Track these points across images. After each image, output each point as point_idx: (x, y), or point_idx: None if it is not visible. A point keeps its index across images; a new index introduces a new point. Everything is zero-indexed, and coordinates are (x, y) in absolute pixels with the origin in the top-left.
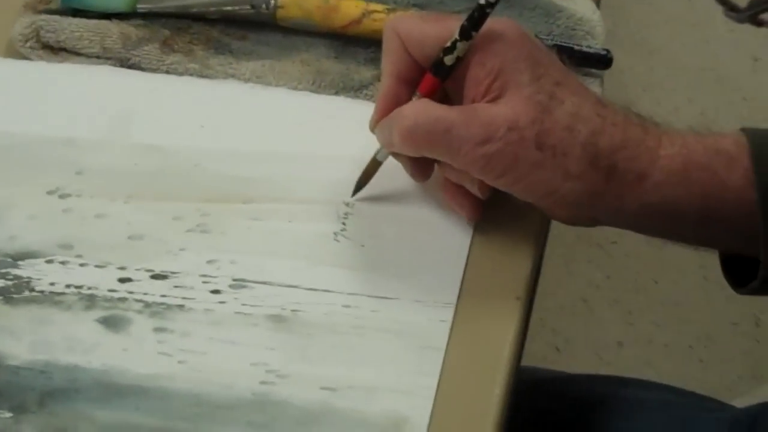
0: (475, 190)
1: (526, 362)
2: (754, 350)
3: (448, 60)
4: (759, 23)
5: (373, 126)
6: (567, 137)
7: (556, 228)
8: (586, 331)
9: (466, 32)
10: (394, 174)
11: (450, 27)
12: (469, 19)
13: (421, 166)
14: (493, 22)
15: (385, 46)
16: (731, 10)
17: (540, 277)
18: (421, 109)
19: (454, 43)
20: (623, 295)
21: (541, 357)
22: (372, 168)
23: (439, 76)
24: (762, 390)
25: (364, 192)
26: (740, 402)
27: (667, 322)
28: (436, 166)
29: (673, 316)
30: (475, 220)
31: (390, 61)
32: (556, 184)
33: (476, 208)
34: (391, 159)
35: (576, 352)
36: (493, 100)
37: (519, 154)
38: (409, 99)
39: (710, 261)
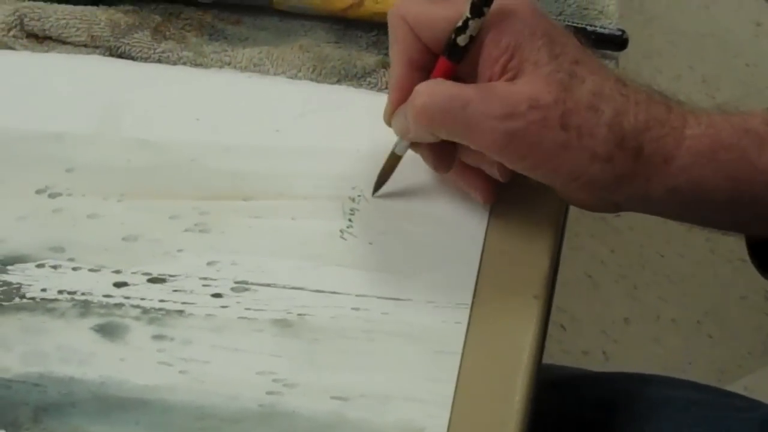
0: (494, 172)
1: None
2: (765, 324)
3: (461, 40)
4: None
5: (388, 117)
6: (592, 117)
7: None
8: (591, 307)
9: (478, 9)
10: (403, 168)
11: (459, 6)
12: None
13: (441, 154)
14: None
15: (392, 34)
16: None
17: None
18: (435, 87)
19: (465, 22)
20: (629, 270)
21: (547, 335)
22: (392, 163)
23: (453, 59)
24: None
25: (386, 188)
26: (751, 379)
27: (674, 297)
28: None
29: (680, 290)
30: (490, 202)
31: (399, 48)
32: (582, 166)
33: (492, 190)
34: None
35: (582, 330)
36: (511, 79)
37: (543, 135)
38: None
39: (717, 234)
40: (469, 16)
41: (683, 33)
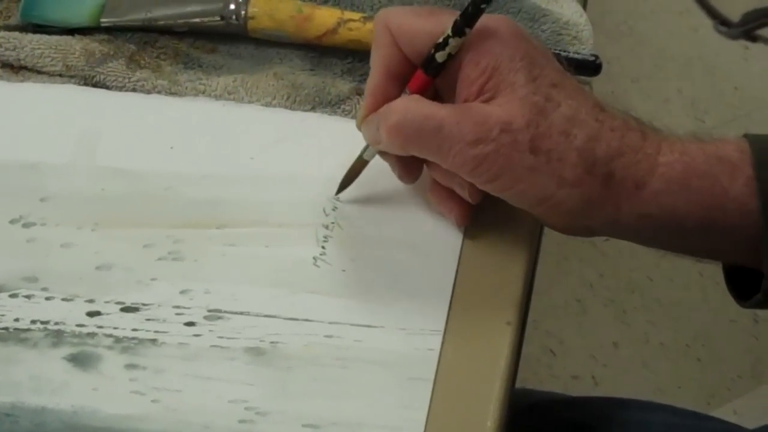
0: (465, 194)
1: (520, 368)
2: (753, 348)
3: (440, 57)
4: (753, 39)
5: (360, 122)
6: (563, 142)
7: None
8: (580, 332)
9: (459, 29)
10: (376, 195)
11: (443, 22)
12: (463, 14)
13: (408, 167)
14: (488, 19)
15: (374, 39)
16: (723, 24)
17: None
18: (410, 105)
19: (446, 40)
20: (617, 294)
21: (536, 360)
22: (358, 166)
23: (430, 74)
24: (762, 390)
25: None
26: (740, 404)
27: (663, 321)
28: (425, 167)
29: (669, 314)
30: (463, 224)
31: (379, 55)
32: (550, 190)
33: (465, 212)
34: (377, 181)
35: (571, 354)
36: (487, 100)
37: (512, 158)
38: (399, 96)
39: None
40: (450, 34)
41: (671, 57)
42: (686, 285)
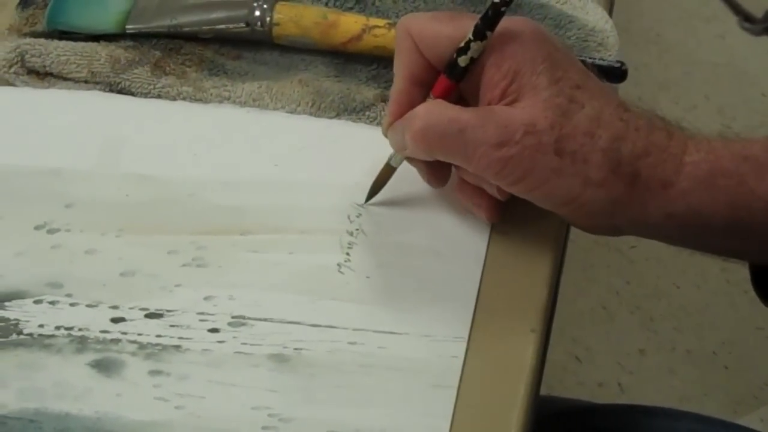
0: (494, 192)
1: (545, 375)
2: None
3: (462, 61)
4: None
5: (386, 129)
6: (587, 143)
7: (574, 232)
8: (606, 339)
9: (480, 32)
10: (400, 201)
11: (464, 26)
12: (483, 18)
13: (436, 171)
14: (509, 22)
15: (397, 46)
16: (746, 20)
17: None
18: (433, 110)
19: (467, 44)
20: (644, 301)
21: (561, 367)
22: (385, 174)
23: (453, 78)
24: None
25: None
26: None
27: (689, 328)
28: (453, 169)
29: (695, 321)
30: (493, 220)
31: (402, 61)
32: (575, 191)
33: (495, 208)
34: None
35: (597, 361)
36: (510, 103)
37: (537, 160)
38: (423, 101)
39: (733, 264)
40: (471, 38)
41: (699, 63)
42: (713, 292)
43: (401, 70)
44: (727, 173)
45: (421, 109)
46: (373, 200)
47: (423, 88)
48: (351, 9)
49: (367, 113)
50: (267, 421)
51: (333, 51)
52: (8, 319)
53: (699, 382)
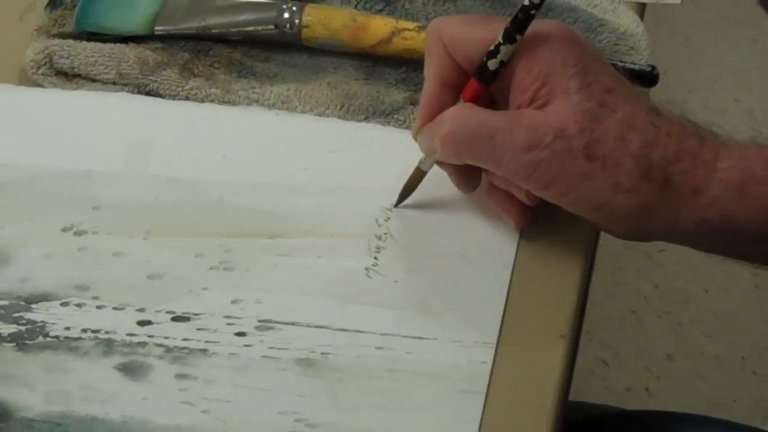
0: (523, 197)
1: (573, 379)
2: None
3: (492, 64)
4: None
5: (416, 133)
6: (618, 148)
7: (602, 236)
8: (634, 343)
9: (510, 35)
10: (429, 206)
11: (494, 29)
12: (513, 21)
13: (466, 176)
14: (540, 25)
15: (427, 49)
16: None
17: None
18: (463, 114)
19: (497, 47)
20: (672, 305)
21: (589, 371)
22: (416, 178)
23: (483, 81)
24: None
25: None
26: None
27: (718, 333)
28: (483, 175)
29: (724, 326)
30: (522, 227)
31: (433, 65)
32: (606, 197)
33: (524, 214)
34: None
35: (625, 366)
36: (541, 107)
37: (567, 164)
38: (454, 104)
39: (762, 268)
40: (501, 41)
41: (729, 67)
42: (742, 297)
43: (431, 73)
44: (760, 180)
45: (450, 113)
46: (403, 204)
47: (453, 91)
48: (380, 11)
49: (396, 116)
50: (294, 426)
51: (362, 53)
52: (35, 322)
53: (728, 388)
